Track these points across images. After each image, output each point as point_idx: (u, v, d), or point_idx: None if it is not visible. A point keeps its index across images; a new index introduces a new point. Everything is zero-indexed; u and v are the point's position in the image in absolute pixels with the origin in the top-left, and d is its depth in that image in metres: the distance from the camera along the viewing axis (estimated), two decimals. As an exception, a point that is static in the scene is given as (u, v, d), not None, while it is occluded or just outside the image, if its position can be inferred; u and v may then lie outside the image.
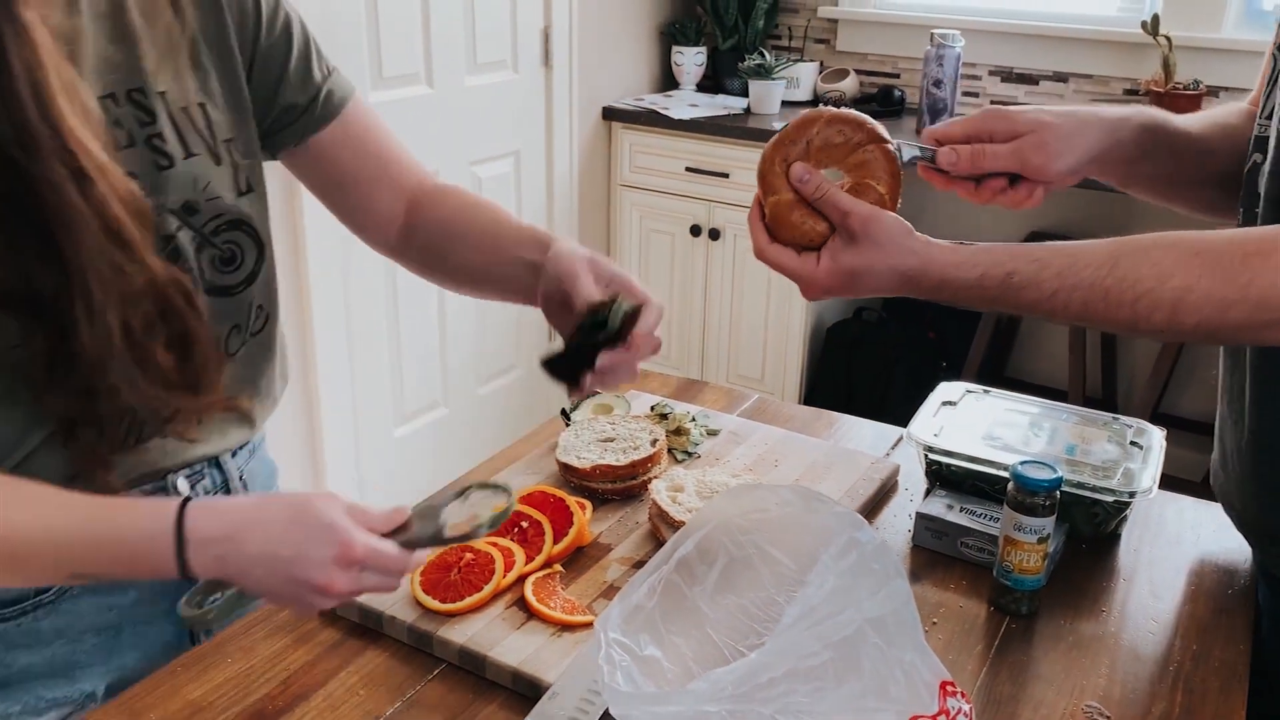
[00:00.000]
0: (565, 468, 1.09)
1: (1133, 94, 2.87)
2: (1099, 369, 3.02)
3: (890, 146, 0.91)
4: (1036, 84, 3.02)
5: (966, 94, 3.07)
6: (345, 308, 2.47)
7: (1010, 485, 0.95)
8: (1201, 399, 2.94)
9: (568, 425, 1.19)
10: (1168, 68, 2.71)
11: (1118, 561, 1.06)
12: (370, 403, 2.62)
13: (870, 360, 3.04)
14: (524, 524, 0.99)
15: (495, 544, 0.96)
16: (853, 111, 0.92)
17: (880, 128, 0.92)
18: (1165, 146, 0.98)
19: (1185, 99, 2.70)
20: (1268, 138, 0.88)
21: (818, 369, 3.11)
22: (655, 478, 1.08)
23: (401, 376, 2.69)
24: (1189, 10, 2.74)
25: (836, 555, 0.68)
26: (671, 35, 3.32)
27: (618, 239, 3.27)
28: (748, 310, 3.08)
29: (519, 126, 2.89)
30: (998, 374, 3.15)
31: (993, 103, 3.09)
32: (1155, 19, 2.68)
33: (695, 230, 3.09)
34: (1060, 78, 2.98)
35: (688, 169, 3.05)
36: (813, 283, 0.89)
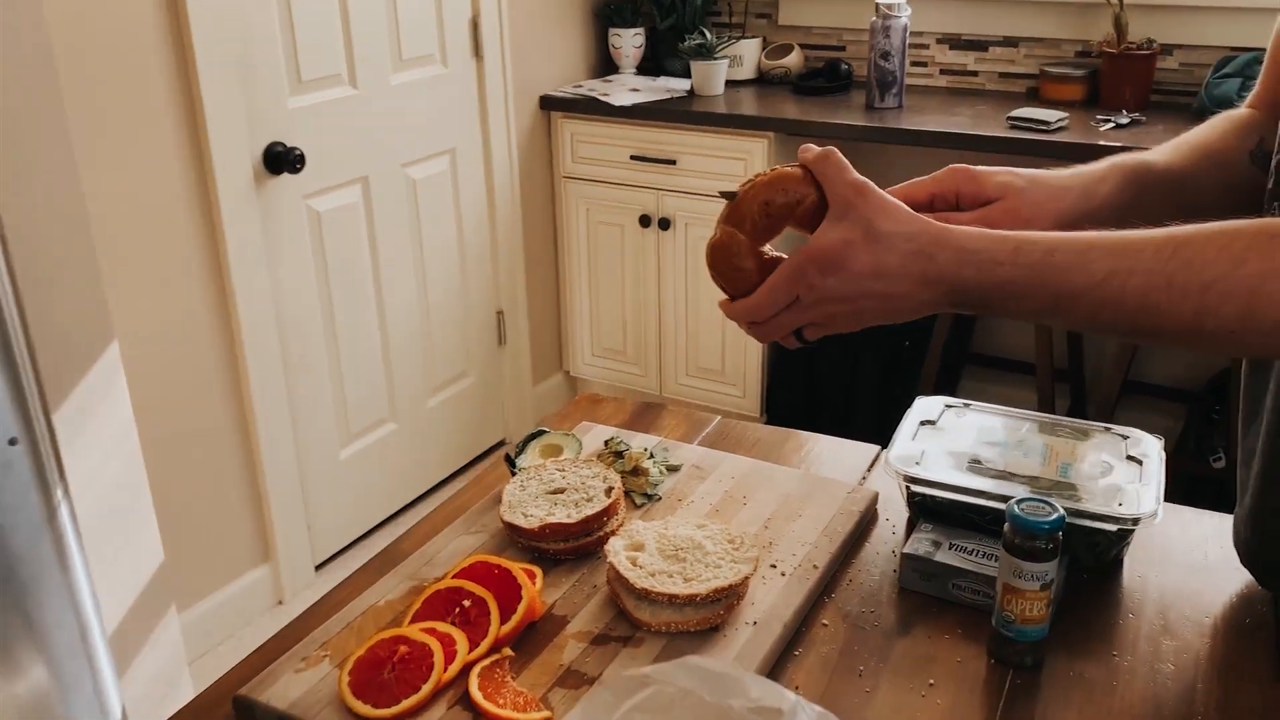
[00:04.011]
0: (511, 527, 0.98)
1: (1085, 55, 2.78)
2: (1065, 339, 2.95)
3: None
4: (986, 50, 2.93)
5: (915, 64, 2.98)
6: (276, 326, 2.33)
7: (1007, 528, 0.85)
8: (1171, 365, 2.88)
9: (513, 474, 1.07)
10: (1120, 27, 2.63)
11: (1123, 593, 0.96)
12: (311, 424, 2.48)
13: (833, 340, 2.94)
14: (465, 603, 0.87)
15: (434, 630, 0.84)
16: (788, 169, 0.82)
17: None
18: (1151, 192, 0.89)
19: (1139, 59, 2.63)
20: None
21: (780, 354, 3.02)
22: (612, 533, 0.97)
23: (343, 394, 2.56)
24: (1139, -33, 2.66)
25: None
26: (607, 17, 3.19)
27: (564, 233, 3.15)
28: (704, 300, 2.97)
29: (452, 123, 2.75)
30: (963, 350, 3.08)
31: (942, 71, 3.00)
32: (1105, -22, 2.60)
33: (645, 220, 2.97)
34: (1010, 42, 2.89)
35: (633, 157, 2.92)
36: (796, 269, 0.77)
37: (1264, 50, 2.58)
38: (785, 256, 0.81)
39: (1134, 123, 2.51)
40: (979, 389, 3.06)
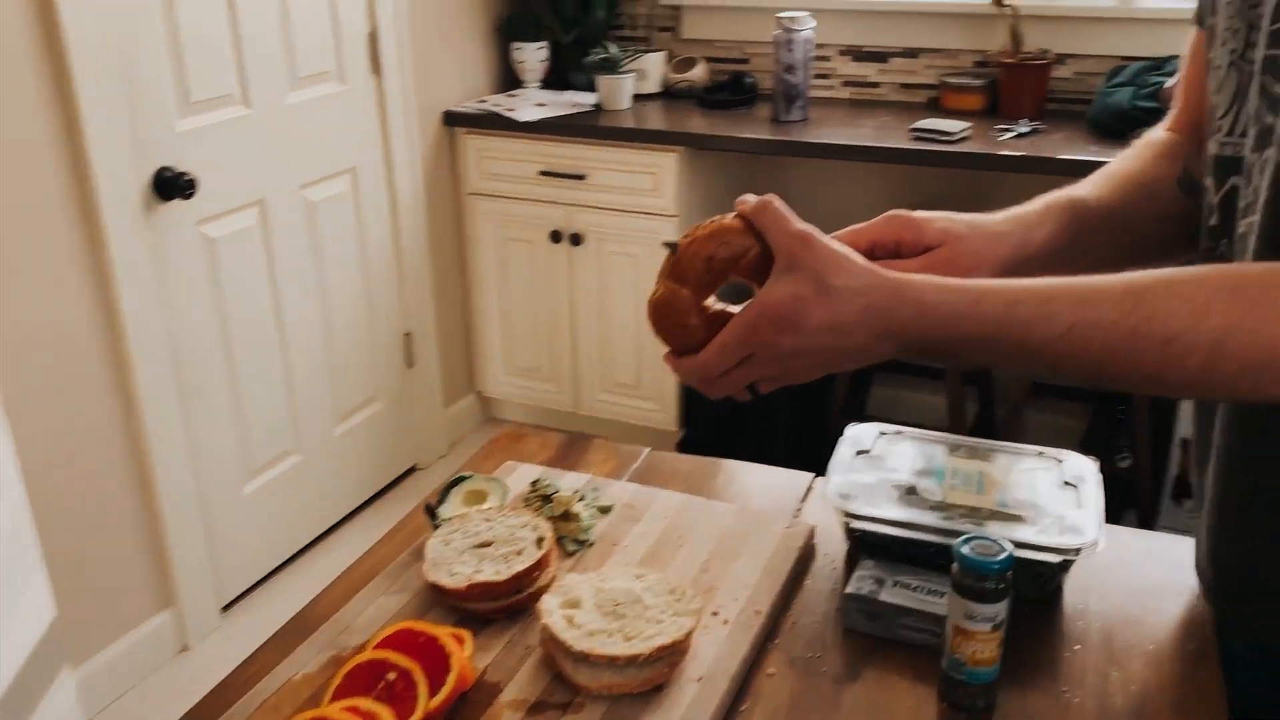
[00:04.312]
0: (436, 588, 0.92)
1: (983, 65, 2.83)
2: (973, 345, 2.99)
3: None
4: (886, 61, 2.96)
5: (818, 76, 2.98)
6: (171, 360, 2.21)
7: (955, 568, 0.83)
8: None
9: (435, 526, 1.01)
10: (1015, 37, 2.68)
11: (1067, 624, 0.95)
12: (211, 460, 2.37)
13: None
14: (390, 675, 0.81)
15: (357, 709, 0.78)
16: (727, 220, 0.80)
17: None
18: (1087, 231, 0.88)
19: (1035, 69, 2.68)
20: (1241, 158, 0.77)
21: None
22: (545, 588, 0.92)
23: (246, 426, 2.45)
24: (1033, -21, 2.71)
25: None
26: (509, 31, 3.13)
27: (473, 251, 3.08)
28: (617, 314, 2.93)
29: (353, 141, 2.66)
30: (874, 358, 3.09)
31: (845, 83, 3.02)
32: (1002, -10, 2.64)
33: (555, 236, 2.91)
34: (910, 53, 2.92)
35: (541, 173, 2.87)
36: (748, 327, 0.74)
37: (1155, 60, 2.63)
38: (731, 309, 0.78)
39: (1034, 131, 2.55)
40: (891, 395, 3.08)
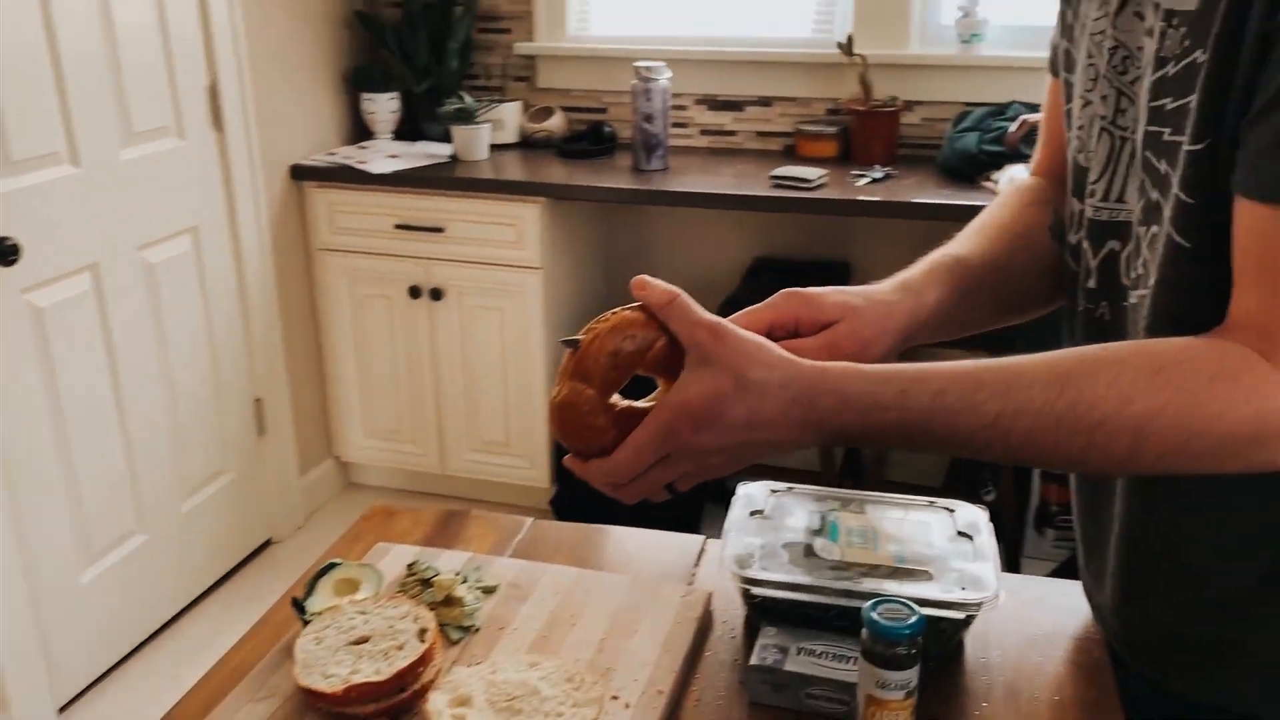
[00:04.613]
0: (310, 693, 0.83)
1: (836, 113, 2.90)
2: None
3: None
4: (742, 110, 3.00)
5: (675, 124, 3.00)
6: (-4, 442, 2.02)
7: (865, 635, 0.80)
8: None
9: (304, 622, 0.92)
10: (865, 86, 2.75)
11: (971, 680, 0.93)
12: (43, 548, 2.17)
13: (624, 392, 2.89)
14: (262, 802, 0.72)
15: (224, 846, 0.69)
16: (628, 312, 0.76)
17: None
18: (973, 289, 0.89)
19: (885, 116, 2.76)
20: (1121, 223, 0.77)
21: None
22: (431, 683, 0.85)
23: (81, 507, 2.26)
24: (877, 29, 2.79)
25: None
26: (359, 82, 3.04)
27: (326, 309, 2.95)
28: (482, 370, 2.85)
29: (194, 199, 2.52)
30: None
31: (703, 133, 3.04)
32: (850, 39, 2.72)
33: (415, 291, 2.82)
34: (765, 102, 2.97)
35: (397, 226, 2.78)
36: (665, 426, 0.70)
37: (997, 105, 2.74)
38: (638, 405, 0.74)
39: (887, 176, 2.62)
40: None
